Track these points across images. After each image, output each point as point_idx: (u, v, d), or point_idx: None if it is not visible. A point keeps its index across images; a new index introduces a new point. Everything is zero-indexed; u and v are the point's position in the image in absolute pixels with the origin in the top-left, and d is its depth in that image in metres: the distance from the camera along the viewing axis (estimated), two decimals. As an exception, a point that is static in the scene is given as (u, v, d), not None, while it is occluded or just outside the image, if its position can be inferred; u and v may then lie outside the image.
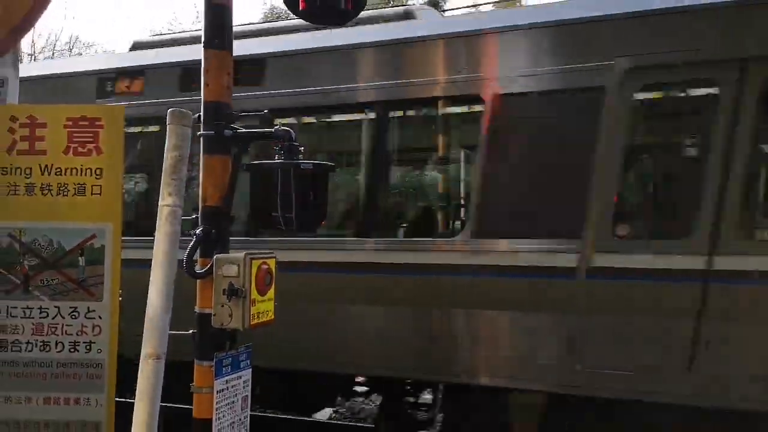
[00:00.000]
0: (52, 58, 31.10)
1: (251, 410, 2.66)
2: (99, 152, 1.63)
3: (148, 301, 1.98)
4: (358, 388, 8.78)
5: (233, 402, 2.47)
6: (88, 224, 1.65)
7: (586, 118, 4.07)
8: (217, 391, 2.36)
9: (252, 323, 2.37)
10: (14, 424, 1.49)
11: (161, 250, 2.00)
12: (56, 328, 1.62)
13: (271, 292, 2.53)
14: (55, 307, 1.63)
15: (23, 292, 1.60)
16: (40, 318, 1.61)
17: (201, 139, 2.46)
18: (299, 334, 4.42)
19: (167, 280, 2.01)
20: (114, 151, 1.65)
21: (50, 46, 32.87)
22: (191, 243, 2.37)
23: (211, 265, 2.38)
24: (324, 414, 7.30)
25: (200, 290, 2.43)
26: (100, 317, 1.65)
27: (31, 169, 1.55)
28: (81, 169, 1.61)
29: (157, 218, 2.02)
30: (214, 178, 2.44)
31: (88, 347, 1.64)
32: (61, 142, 1.62)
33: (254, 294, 2.37)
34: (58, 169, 1.60)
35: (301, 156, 2.43)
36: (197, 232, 2.39)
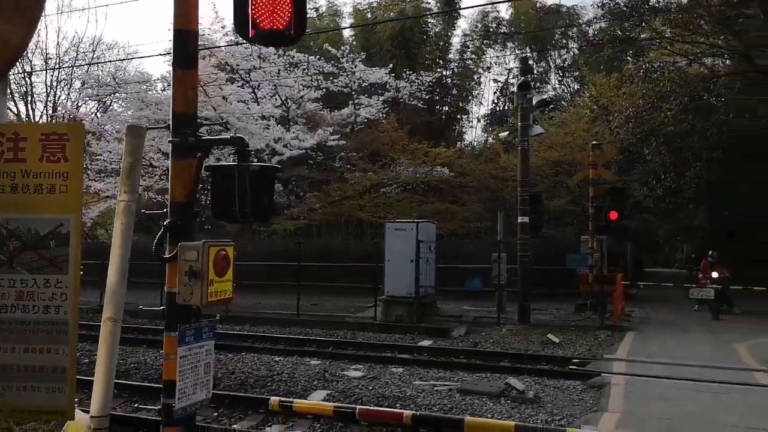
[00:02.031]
0: (76, 58, 32.29)
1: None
2: (65, 160, 2.08)
3: (108, 275, 2.46)
4: (352, 372, 9.27)
5: (196, 366, 2.93)
6: (57, 216, 2.10)
7: None
8: (181, 357, 2.82)
9: (210, 300, 2.81)
10: (1, 367, 1.98)
11: (118, 236, 2.48)
12: (33, 295, 2.08)
13: (229, 274, 2.97)
14: (33, 279, 2.09)
15: (9, 268, 2.08)
16: (21, 287, 2.08)
17: (170, 144, 2.93)
18: None
19: (123, 259, 2.48)
20: (77, 159, 2.10)
21: (74, 47, 34.14)
22: (159, 232, 2.84)
23: (177, 252, 2.84)
24: (319, 396, 7.78)
25: (168, 273, 2.89)
26: (66, 287, 2.10)
27: (15, 173, 2.02)
28: (52, 173, 2.06)
29: (116, 211, 2.50)
30: (180, 178, 2.90)
31: (57, 310, 2.10)
32: (37, 152, 2.07)
33: (212, 276, 2.81)
34: (35, 173, 2.06)
35: (252, 159, 2.87)
36: (165, 223, 2.86)
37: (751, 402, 7.20)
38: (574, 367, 9.54)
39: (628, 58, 18.28)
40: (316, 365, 9.78)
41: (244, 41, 6.03)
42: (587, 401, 7.66)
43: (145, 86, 22.73)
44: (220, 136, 3.48)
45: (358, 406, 4.51)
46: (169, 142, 2.90)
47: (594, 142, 15.05)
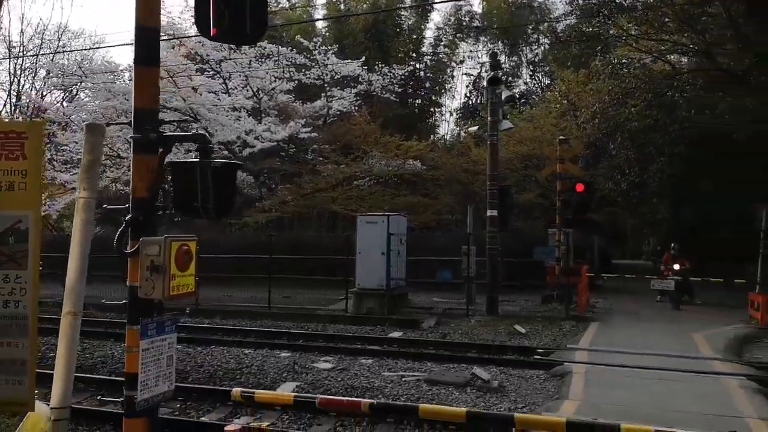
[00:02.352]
0: (40, 46, 31.46)
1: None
2: (24, 158, 2.11)
3: (68, 271, 2.50)
4: (322, 364, 9.36)
5: (159, 359, 2.98)
6: (15, 212, 2.13)
7: None
8: (143, 350, 2.87)
9: (172, 294, 2.86)
10: None
11: (78, 232, 2.52)
12: (-7, 290, 2.12)
13: (192, 269, 3.02)
14: (-8, 274, 2.13)
15: (-33, 264, 2.11)
16: (-19, 282, 2.12)
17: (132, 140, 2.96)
18: None
19: (83, 255, 2.52)
20: (35, 156, 2.13)
21: (38, 35, 33.25)
22: (121, 227, 2.87)
23: (138, 247, 2.88)
24: (288, 387, 7.85)
25: (130, 267, 2.93)
26: (25, 282, 2.14)
27: (-27, 171, 2.06)
28: (10, 170, 2.09)
29: (75, 207, 2.53)
30: (142, 173, 2.93)
31: (16, 304, 2.14)
32: (-5, 150, 2.10)
33: (174, 270, 2.86)
34: (-6, 171, 2.10)
35: (213, 155, 2.92)
36: (127, 218, 2.89)
37: (702, 389, 7.53)
38: (539, 357, 9.80)
39: (596, 54, 18.66)
40: (286, 357, 9.83)
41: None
42: (549, 390, 7.90)
43: (112, 76, 22.28)
44: (182, 133, 3.50)
45: (319, 396, 4.60)
46: (130, 138, 2.93)
47: (561, 137, 15.36)
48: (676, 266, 16.23)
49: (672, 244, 17.24)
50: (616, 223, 30.85)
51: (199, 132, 2.98)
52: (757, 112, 13.86)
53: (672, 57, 16.44)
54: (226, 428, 3.15)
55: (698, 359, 9.36)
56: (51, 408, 2.50)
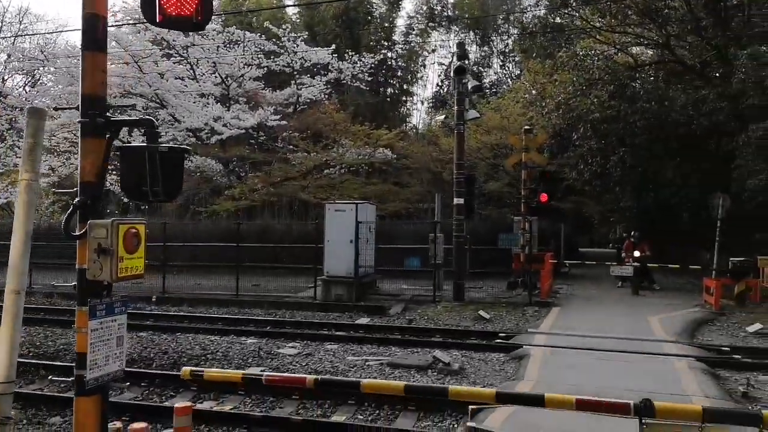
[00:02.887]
0: (0, 29, 30.49)
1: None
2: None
3: (11, 251, 2.55)
4: (288, 350, 9.47)
5: (108, 340, 3.04)
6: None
7: None
8: (92, 330, 2.94)
9: (120, 276, 2.92)
10: None
11: (21, 213, 2.58)
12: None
13: (140, 252, 3.08)
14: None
15: None
16: None
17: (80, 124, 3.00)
18: None
19: (25, 235, 2.58)
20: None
21: None
22: (69, 210, 2.92)
23: (86, 229, 2.93)
24: (253, 372, 7.94)
25: (79, 250, 2.98)
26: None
27: None
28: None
29: (18, 189, 2.58)
30: (90, 157, 2.98)
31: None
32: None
33: (122, 253, 2.93)
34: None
35: (160, 141, 2.98)
36: (75, 201, 2.94)
37: (652, 369, 7.86)
38: (500, 341, 10.06)
39: (562, 45, 18.98)
40: (252, 344, 9.91)
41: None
42: (508, 371, 8.16)
43: (75, 60, 21.74)
44: (128, 118, 3.56)
45: (265, 373, 4.71)
46: (77, 122, 2.97)
47: (526, 127, 15.62)
48: (637, 253, 16.72)
49: (632, 232, 17.73)
50: (582, 212, 31.50)
51: (146, 117, 3.02)
52: (715, 104, 14.33)
53: (635, 49, 16.83)
54: (175, 405, 3.23)
55: (652, 341, 9.72)
56: (-4, 383, 2.57)
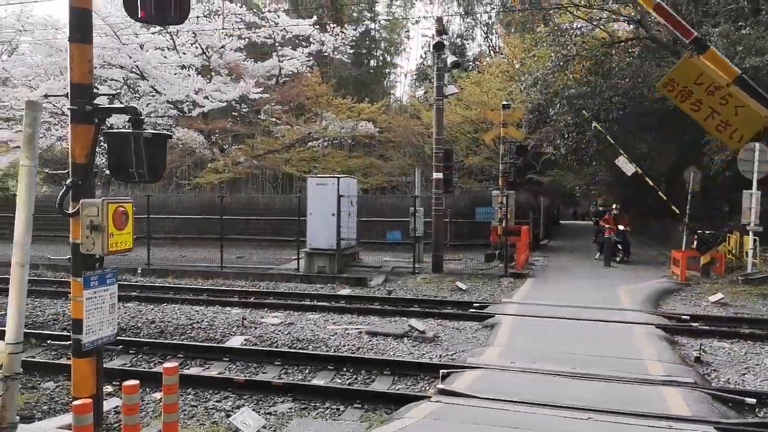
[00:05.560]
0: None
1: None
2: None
3: (15, 229, 2.85)
4: (271, 319, 9.84)
5: (101, 307, 3.36)
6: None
7: None
8: (87, 299, 3.25)
9: (110, 250, 3.22)
10: None
11: (22, 196, 2.87)
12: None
13: (129, 228, 3.38)
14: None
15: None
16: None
17: (69, 111, 3.25)
18: None
19: (27, 215, 2.87)
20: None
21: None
22: (62, 190, 3.20)
23: (79, 208, 3.22)
24: (236, 341, 8.31)
25: (72, 226, 3.27)
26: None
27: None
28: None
29: (18, 175, 2.86)
30: (80, 141, 3.25)
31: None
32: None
33: (111, 229, 3.23)
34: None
35: (144, 126, 3.25)
36: (68, 182, 3.22)
37: (613, 336, 8.36)
38: (474, 310, 10.52)
39: (540, 20, 19.16)
40: (237, 314, 10.24)
41: None
42: (479, 339, 8.61)
43: (53, 31, 21.45)
44: (115, 106, 3.81)
45: None
46: (67, 109, 3.23)
47: (504, 103, 15.90)
48: (621, 227, 16.99)
49: (614, 204, 18.12)
50: (562, 186, 32.04)
51: (131, 105, 3.29)
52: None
53: (613, 25, 17.07)
54: (164, 365, 3.57)
55: (617, 310, 10.23)
56: (6, 343, 2.88)
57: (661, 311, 10.69)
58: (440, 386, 5.96)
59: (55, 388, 6.36)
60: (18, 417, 3.19)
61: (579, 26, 16.19)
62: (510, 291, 12.45)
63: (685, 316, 10.07)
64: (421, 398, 5.75)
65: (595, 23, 15.96)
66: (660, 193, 15.14)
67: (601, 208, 24.90)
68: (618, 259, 16.89)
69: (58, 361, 7.18)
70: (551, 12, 18.13)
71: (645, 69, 15.42)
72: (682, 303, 11.71)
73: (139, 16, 3.16)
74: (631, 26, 17.27)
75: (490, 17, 38.09)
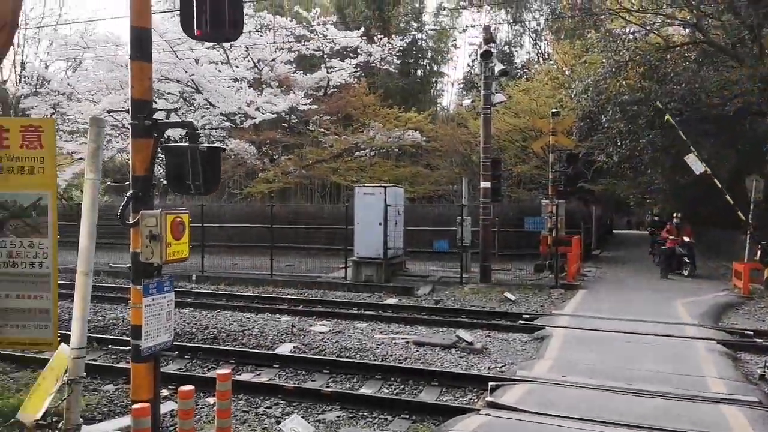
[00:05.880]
0: (42, 17, 31.53)
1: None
2: (41, 147, 2.57)
3: (80, 239, 3.00)
4: (319, 328, 9.94)
5: (159, 314, 3.48)
6: (36, 191, 2.61)
7: None
8: (145, 306, 3.37)
9: (168, 259, 3.34)
10: (0, 310, 2.56)
11: (87, 208, 3.01)
12: (21, 253, 2.61)
13: (185, 237, 3.50)
14: (20, 241, 2.62)
15: (0, 233, 2.61)
16: (11, 248, 2.61)
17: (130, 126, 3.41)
18: None
19: (91, 226, 3.02)
20: (50, 146, 2.59)
21: (40, 3, 33.28)
22: (123, 201, 3.35)
23: (139, 218, 3.36)
24: (285, 348, 8.43)
25: (132, 236, 3.41)
26: (47, 248, 2.63)
27: (1, 157, 2.53)
28: (31, 157, 2.56)
29: (84, 187, 3.02)
30: (140, 155, 3.39)
31: (40, 265, 2.63)
32: (18, 141, 2.56)
33: (169, 239, 3.35)
34: (17, 158, 2.57)
35: (201, 140, 3.37)
36: (128, 194, 3.37)
37: (671, 351, 8.03)
38: (523, 321, 10.32)
39: (591, 26, 18.72)
40: (286, 321, 10.41)
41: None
42: (529, 351, 8.44)
43: (114, 47, 22.53)
44: (173, 120, 3.99)
45: None
46: (128, 125, 3.38)
47: (554, 110, 15.60)
48: (686, 238, 16.20)
49: (675, 213, 17.30)
50: (616, 194, 31.09)
51: (188, 120, 3.41)
52: (747, 86, 14.07)
53: (667, 30, 16.53)
54: (217, 372, 3.67)
55: (675, 324, 9.82)
56: (71, 348, 3.03)
57: (723, 326, 10.20)
58: (489, 399, 5.87)
59: (115, 391, 6.61)
60: (81, 419, 3.34)
61: (632, 31, 15.75)
62: (561, 303, 12.15)
63: (749, 332, 9.58)
64: (470, 411, 5.68)
65: (648, 28, 15.49)
66: (728, 197, 14.41)
67: (656, 218, 24.02)
68: (686, 273, 16.01)
69: (117, 365, 7.47)
70: (602, 17, 17.73)
71: (703, 74, 14.85)
72: (744, 317, 11.15)
73: (196, 34, 3.28)
74: (687, 30, 16.70)
75: (538, 24, 37.59)
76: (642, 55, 15.51)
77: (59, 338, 2.94)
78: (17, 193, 2.56)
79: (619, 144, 16.99)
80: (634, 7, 15.67)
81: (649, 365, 7.19)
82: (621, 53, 15.69)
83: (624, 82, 15.85)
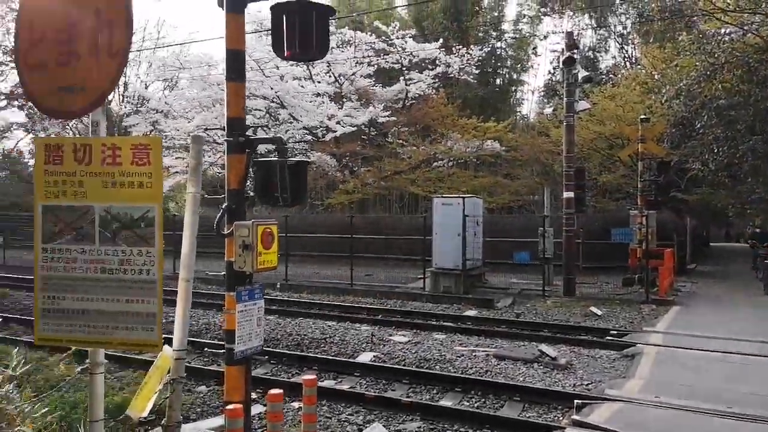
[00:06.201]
0: (143, 41, 34.12)
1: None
2: (149, 164, 2.80)
3: (182, 249, 3.22)
4: (398, 338, 9.99)
5: (250, 320, 3.66)
6: (144, 204, 2.83)
7: None
8: (239, 312, 3.56)
9: (258, 268, 3.52)
10: (112, 313, 2.80)
11: (189, 219, 3.24)
12: (130, 261, 2.85)
13: (274, 247, 3.67)
14: (130, 250, 2.85)
15: (112, 242, 2.85)
16: (122, 256, 2.85)
17: (225, 143, 3.63)
18: None
19: (192, 236, 3.24)
20: (157, 162, 2.81)
21: (141, 29, 36.00)
22: (219, 213, 3.57)
23: (233, 229, 3.56)
24: (366, 357, 8.56)
25: (227, 245, 3.62)
26: (153, 256, 2.84)
27: (114, 173, 2.78)
28: (140, 173, 2.79)
29: (186, 201, 3.24)
30: (234, 170, 3.61)
31: (147, 272, 2.85)
32: (129, 158, 2.80)
33: (260, 248, 3.52)
34: (128, 173, 2.81)
35: (289, 155, 3.53)
36: (223, 206, 3.58)
37: (777, 373, 7.41)
38: (611, 338, 9.88)
39: (682, 29, 17.70)
40: (366, 330, 10.56)
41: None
42: (618, 369, 8.06)
43: (207, 67, 23.93)
44: (263, 137, 4.26)
45: None
46: (224, 141, 3.61)
47: (642, 116, 14.90)
48: None
49: None
50: (712, 204, 29.14)
51: (277, 136, 3.59)
52: None
53: (766, 30, 15.37)
54: (303, 377, 3.80)
55: (781, 345, 9.08)
56: (174, 350, 3.27)
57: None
58: (575, 417, 5.67)
59: (207, 392, 6.98)
60: (181, 416, 3.57)
61: (728, 32, 14.77)
62: (652, 319, 11.53)
63: None
64: (554, 428, 5.52)
65: (746, 28, 14.47)
66: None
67: (758, 230, 22.29)
68: None
69: (209, 367, 7.88)
70: (694, 19, 16.75)
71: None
72: None
73: (286, 54, 3.46)
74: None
75: (625, 27, 36.10)
76: (739, 57, 14.49)
77: (162, 340, 3.18)
78: (128, 206, 2.80)
79: (715, 151, 15.93)
80: (730, 6, 14.70)
81: (752, 387, 6.68)
82: (716, 55, 14.75)
83: (720, 86, 14.87)
